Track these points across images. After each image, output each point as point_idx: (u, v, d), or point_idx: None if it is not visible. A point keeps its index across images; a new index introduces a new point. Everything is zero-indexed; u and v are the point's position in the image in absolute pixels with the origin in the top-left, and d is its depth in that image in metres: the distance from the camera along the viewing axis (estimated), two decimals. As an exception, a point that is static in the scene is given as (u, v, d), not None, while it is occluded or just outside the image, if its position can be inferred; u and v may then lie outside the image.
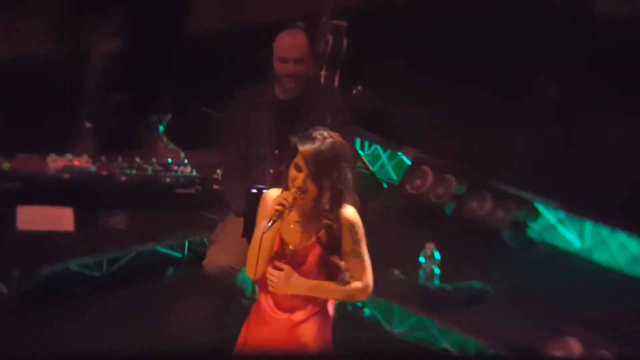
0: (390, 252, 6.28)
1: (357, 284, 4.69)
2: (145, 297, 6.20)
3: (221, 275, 5.69)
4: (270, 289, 4.71)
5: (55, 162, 6.45)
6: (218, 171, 6.50)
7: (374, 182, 7.20)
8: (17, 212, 6.29)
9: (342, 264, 4.67)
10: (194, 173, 6.59)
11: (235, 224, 5.65)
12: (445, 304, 5.97)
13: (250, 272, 4.73)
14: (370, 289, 4.71)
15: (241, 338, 4.79)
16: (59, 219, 6.28)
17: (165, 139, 6.80)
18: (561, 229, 6.67)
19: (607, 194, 6.34)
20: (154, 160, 6.59)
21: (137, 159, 6.56)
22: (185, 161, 6.63)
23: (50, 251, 6.19)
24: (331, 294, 4.71)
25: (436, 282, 6.11)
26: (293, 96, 5.82)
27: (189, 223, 6.48)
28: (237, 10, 7.75)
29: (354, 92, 7.37)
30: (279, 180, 4.76)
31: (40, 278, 6.13)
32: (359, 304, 6.23)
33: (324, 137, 4.65)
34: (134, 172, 6.53)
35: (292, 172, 4.65)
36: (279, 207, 4.62)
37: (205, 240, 6.34)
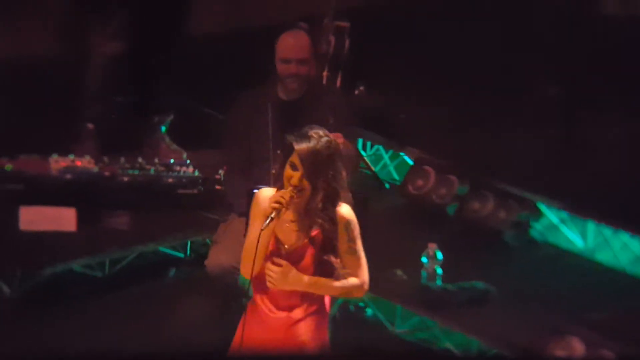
0: (392, 253, 6.29)
1: (354, 281, 4.71)
2: (148, 297, 6.21)
3: (223, 275, 5.69)
4: (268, 284, 4.71)
5: (57, 163, 6.45)
6: (220, 171, 6.51)
7: (376, 182, 7.20)
8: (19, 213, 6.30)
9: (337, 261, 4.68)
10: (197, 173, 6.59)
11: (238, 224, 5.65)
12: (448, 304, 5.97)
13: (246, 271, 4.73)
14: (367, 285, 4.73)
15: (237, 338, 4.78)
16: (62, 219, 6.28)
17: (167, 139, 6.81)
18: (564, 229, 6.66)
19: (609, 193, 6.33)
20: (156, 160, 6.59)
21: (140, 160, 6.56)
22: (188, 162, 6.63)
23: (52, 252, 6.19)
24: (329, 290, 4.72)
25: (439, 282, 6.11)
26: (296, 97, 5.82)
27: (191, 223, 6.48)
28: (240, 11, 7.75)
29: (356, 92, 7.37)
30: (279, 180, 4.77)
31: (42, 278, 6.14)
32: (361, 304, 6.23)
33: (319, 136, 4.67)
34: (136, 172, 6.53)
35: (288, 170, 4.67)
36: (276, 205, 4.63)
37: (207, 240, 6.35)
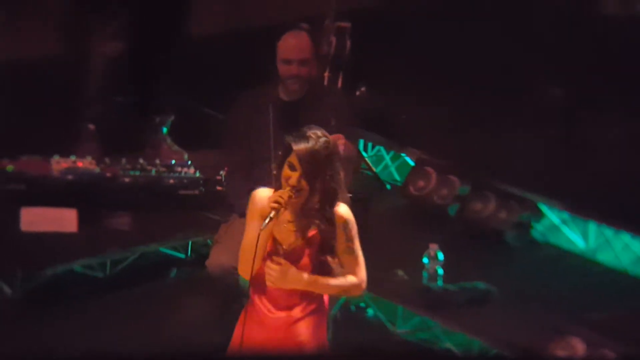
0: (393, 253, 6.29)
1: (352, 279, 4.71)
2: (149, 298, 6.21)
3: (224, 275, 5.69)
4: (268, 283, 4.70)
5: (58, 164, 6.46)
6: (221, 172, 6.51)
7: (378, 183, 7.20)
8: (20, 214, 6.30)
9: (336, 261, 4.69)
10: (198, 174, 6.59)
11: (239, 224, 5.64)
12: (449, 305, 5.97)
13: (245, 271, 4.72)
14: (364, 284, 4.74)
15: (235, 339, 4.78)
16: (63, 220, 6.29)
17: (168, 140, 6.81)
18: (565, 229, 6.66)
19: (611, 194, 6.33)
20: (157, 161, 6.59)
21: (141, 161, 6.56)
22: (189, 162, 6.63)
23: (53, 252, 6.19)
24: (328, 288, 4.72)
25: (440, 282, 6.11)
26: (297, 97, 5.82)
27: (193, 224, 6.48)
28: (241, 12, 7.75)
29: (358, 93, 7.37)
30: (277, 180, 4.76)
31: (43, 279, 6.14)
32: (362, 305, 6.23)
33: (317, 137, 4.67)
34: (137, 173, 6.53)
35: (286, 171, 4.67)
36: (275, 205, 4.63)
37: (208, 241, 6.35)
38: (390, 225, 6.61)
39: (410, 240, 6.45)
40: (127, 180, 6.51)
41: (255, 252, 4.64)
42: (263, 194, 4.73)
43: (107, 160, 6.54)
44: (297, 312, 4.72)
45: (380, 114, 7.24)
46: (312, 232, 4.70)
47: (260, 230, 4.63)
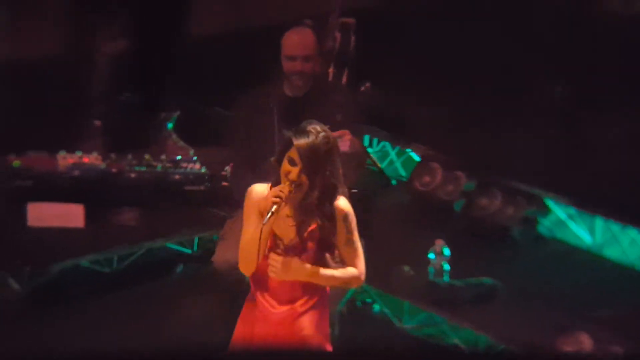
0: (399, 249, 6.29)
1: (352, 271, 4.72)
2: (155, 294, 6.21)
3: (230, 271, 5.69)
4: (272, 275, 4.69)
5: (65, 160, 6.46)
6: (227, 168, 6.51)
7: (383, 179, 7.19)
8: (27, 209, 6.31)
9: (336, 254, 4.69)
10: (203, 170, 6.60)
11: (245, 220, 5.65)
12: (455, 301, 5.97)
13: (246, 267, 4.71)
14: (363, 276, 4.75)
15: (237, 336, 4.77)
16: (69, 215, 6.29)
17: (174, 136, 6.81)
18: (571, 225, 6.66)
19: (617, 189, 6.32)
20: (163, 157, 6.59)
21: (147, 156, 6.57)
22: (195, 158, 6.64)
23: (60, 248, 6.20)
24: (330, 279, 4.71)
25: (446, 278, 6.11)
26: (301, 93, 5.82)
27: (198, 220, 6.49)
28: (245, 8, 7.75)
29: (362, 89, 7.37)
30: (273, 175, 4.75)
31: (50, 275, 6.14)
32: (368, 300, 6.23)
33: (317, 131, 4.66)
34: (143, 169, 6.53)
35: (286, 165, 4.65)
36: (277, 200, 4.62)
37: (214, 236, 6.35)
38: (396, 221, 6.60)
39: (416, 236, 6.45)
40: (133, 176, 6.51)
41: (259, 247, 4.63)
42: (259, 190, 4.72)
43: (113, 156, 6.54)
44: (300, 305, 4.71)
45: (385, 110, 7.24)
46: (312, 227, 4.70)
47: (262, 225, 4.62)
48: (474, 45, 7.08)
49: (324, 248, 4.70)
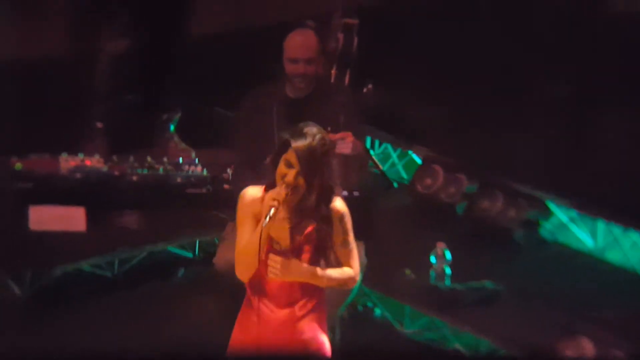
0: (401, 252, 6.28)
1: (349, 271, 4.71)
2: (157, 297, 6.21)
3: (231, 273, 5.69)
4: (271, 276, 4.68)
5: (67, 162, 6.47)
6: (229, 170, 6.51)
7: (385, 181, 7.19)
8: (29, 212, 6.31)
9: (332, 256, 4.69)
10: (205, 172, 6.60)
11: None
12: (457, 304, 5.96)
13: (244, 272, 4.67)
14: (358, 277, 4.75)
15: (234, 342, 4.76)
16: (71, 218, 6.29)
17: (176, 138, 6.81)
18: (573, 228, 6.65)
19: (619, 192, 6.31)
20: (165, 159, 6.60)
21: (149, 159, 6.57)
22: (197, 160, 6.64)
23: (62, 251, 6.20)
24: (328, 280, 4.70)
25: (447, 282, 6.10)
26: (303, 95, 5.81)
27: (200, 223, 6.49)
28: (247, 9, 7.74)
29: (365, 90, 7.36)
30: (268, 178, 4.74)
31: (51, 278, 6.15)
32: (369, 304, 6.22)
33: (314, 133, 4.64)
34: (145, 171, 6.54)
35: (283, 168, 4.63)
36: (275, 203, 4.61)
37: (215, 239, 6.35)
38: (397, 224, 6.60)
39: (417, 239, 6.45)
40: (134, 178, 6.52)
41: (259, 250, 4.61)
42: (253, 193, 4.69)
43: (115, 158, 6.55)
44: (299, 309, 4.71)
45: (387, 111, 7.23)
46: (308, 229, 4.69)
47: (262, 227, 4.61)
48: (476, 46, 7.07)
49: (321, 249, 4.69)
